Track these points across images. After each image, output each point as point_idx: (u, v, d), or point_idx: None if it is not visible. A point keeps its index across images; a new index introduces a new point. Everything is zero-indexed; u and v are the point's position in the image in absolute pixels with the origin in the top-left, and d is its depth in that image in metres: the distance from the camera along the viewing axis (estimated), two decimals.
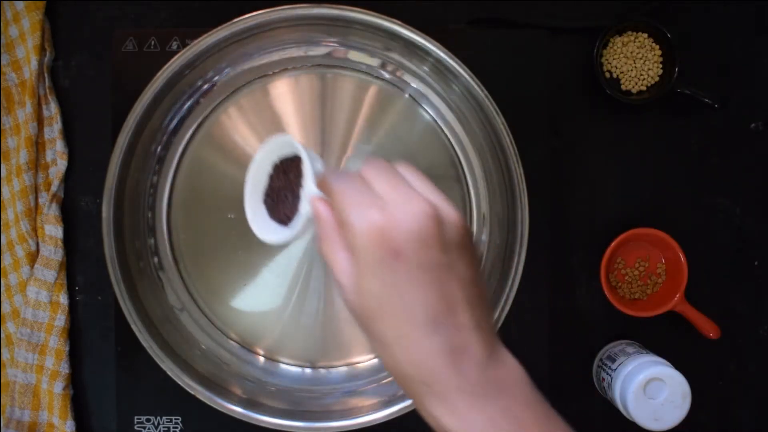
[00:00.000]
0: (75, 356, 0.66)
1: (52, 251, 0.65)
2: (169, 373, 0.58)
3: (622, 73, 0.65)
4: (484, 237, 0.63)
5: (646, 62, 0.65)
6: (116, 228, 0.59)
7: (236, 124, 0.63)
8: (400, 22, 0.58)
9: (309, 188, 0.44)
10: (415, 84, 0.63)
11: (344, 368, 0.64)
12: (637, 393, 0.58)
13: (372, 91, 0.63)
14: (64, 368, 0.65)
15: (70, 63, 0.67)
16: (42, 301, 0.64)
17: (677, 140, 0.67)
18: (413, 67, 0.62)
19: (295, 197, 0.47)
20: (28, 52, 0.65)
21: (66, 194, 0.66)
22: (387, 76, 0.63)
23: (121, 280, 0.59)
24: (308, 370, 0.64)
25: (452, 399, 0.39)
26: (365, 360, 0.64)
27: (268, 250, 0.63)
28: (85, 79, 0.66)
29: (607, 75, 0.66)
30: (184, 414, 0.64)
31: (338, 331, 0.63)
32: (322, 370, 0.64)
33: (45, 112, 0.66)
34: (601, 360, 0.65)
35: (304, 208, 0.44)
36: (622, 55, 0.65)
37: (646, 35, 0.65)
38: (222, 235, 0.63)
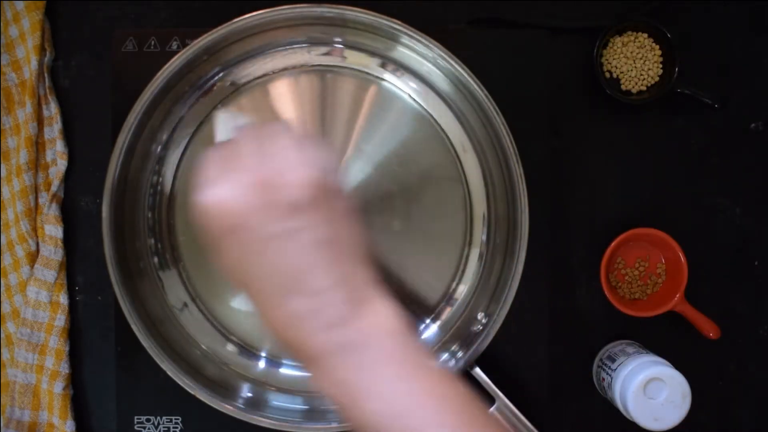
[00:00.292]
0: (75, 356, 0.66)
1: (52, 251, 0.65)
2: (169, 373, 0.58)
3: (622, 73, 0.65)
4: (484, 237, 0.63)
5: (646, 62, 0.65)
6: (116, 228, 0.59)
7: None
8: (400, 22, 0.58)
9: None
10: (415, 84, 0.63)
11: None
12: (637, 393, 0.58)
13: (372, 91, 0.63)
14: (64, 368, 0.65)
15: (70, 63, 0.67)
16: (42, 301, 0.64)
17: (677, 140, 0.67)
18: (413, 67, 0.62)
19: None
20: (28, 52, 0.65)
21: (66, 194, 0.66)
22: (387, 76, 0.63)
23: (121, 280, 0.59)
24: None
25: (323, 364, 0.39)
26: None
27: None
28: (85, 79, 0.66)
29: (607, 75, 0.66)
30: (184, 414, 0.64)
31: None
32: None
33: (45, 112, 0.66)
34: (601, 360, 0.65)
35: None
36: (622, 55, 0.65)
37: (646, 35, 0.65)
38: None
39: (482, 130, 0.61)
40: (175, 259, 0.63)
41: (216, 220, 0.39)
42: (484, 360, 0.59)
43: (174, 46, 0.63)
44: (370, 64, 0.63)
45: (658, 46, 0.65)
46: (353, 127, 0.63)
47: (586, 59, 0.65)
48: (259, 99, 0.63)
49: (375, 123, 0.63)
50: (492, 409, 0.60)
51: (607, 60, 0.65)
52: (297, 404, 0.62)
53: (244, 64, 0.62)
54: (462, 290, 0.64)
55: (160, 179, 0.63)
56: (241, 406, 0.59)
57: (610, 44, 0.65)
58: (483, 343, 0.59)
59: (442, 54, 0.58)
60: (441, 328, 0.64)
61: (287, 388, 0.63)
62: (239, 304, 0.63)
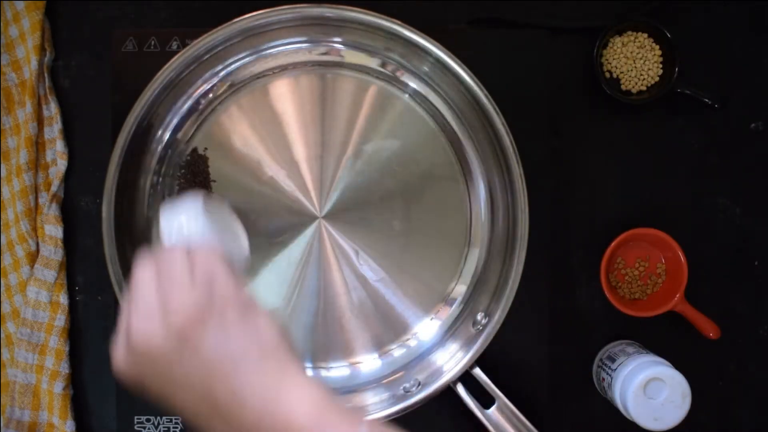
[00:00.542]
0: (75, 356, 0.66)
1: (52, 251, 0.65)
2: None
3: (622, 73, 0.66)
4: (484, 237, 0.63)
5: (646, 62, 0.65)
6: (116, 228, 0.59)
7: (236, 124, 0.63)
8: (400, 22, 0.58)
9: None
10: (415, 84, 0.63)
11: (344, 368, 0.64)
12: (637, 393, 0.58)
13: (372, 91, 0.63)
14: (64, 368, 0.65)
15: (70, 63, 0.67)
16: (42, 301, 0.64)
17: (677, 140, 0.67)
18: (413, 67, 0.62)
19: None
20: (28, 52, 0.65)
21: (66, 194, 0.66)
22: (387, 76, 0.63)
23: (121, 280, 0.59)
24: (308, 370, 0.64)
25: None
26: (365, 360, 0.64)
27: (268, 251, 0.63)
28: (85, 79, 0.66)
29: (607, 75, 0.66)
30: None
31: (338, 331, 0.63)
32: (323, 370, 0.64)
33: (45, 112, 0.66)
34: (601, 360, 0.65)
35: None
36: (622, 55, 0.65)
37: (646, 35, 0.65)
38: None
39: (482, 130, 0.61)
40: None
41: (134, 357, 0.41)
42: (484, 360, 0.59)
43: (174, 46, 0.63)
44: (370, 64, 0.63)
45: (658, 46, 0.65)
46: (353, 127, 0.63)
47: (586, 59, 0.65)
48: (259, 99, 0.63)
49: (375, 123, 0.63)
50: (492, 408, 0.60)
51: (607, 60, 0.65)
52: None
53: (244, 64, 0.62)
54: (462, 290, 0.64)
55: (160, 179, 0.63)
56: None
57: (610, 44, 0.65)
58: (483, 343, 0.59)
59: (442, 54, 0.58)
60: (441, 328, 0.64)
61: None
62: None
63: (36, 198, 0.65)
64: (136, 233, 0.62)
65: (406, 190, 0.63)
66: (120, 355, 0.42)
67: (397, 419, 0.59)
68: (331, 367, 0.64)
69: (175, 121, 0.62)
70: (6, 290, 0.66)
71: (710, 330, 0.64)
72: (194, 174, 0.63)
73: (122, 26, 0.65)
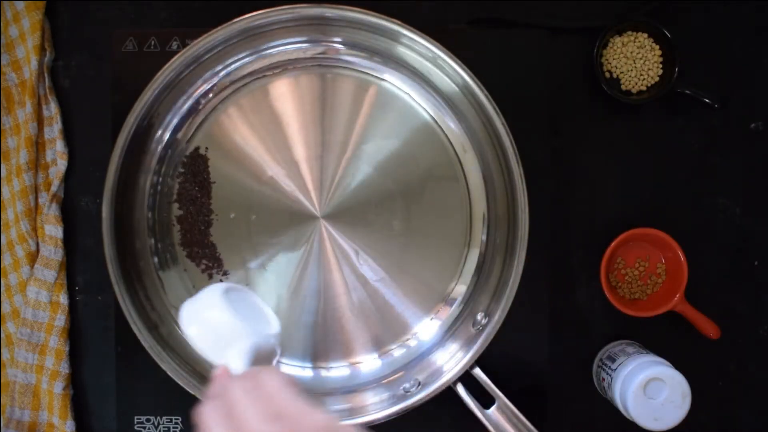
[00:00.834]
0: (75, 356, 0.66)
1: (52, 251, 0.65)
2: (169, 373, 0.58)
3: (622, 73, 0.65)
4: (484, 237, 0.63)
5: (646, 62, 0.65)
6: (116, 228, 0.59)
7: (236, 124, 0.63)
8: (400, 22, 0.58)
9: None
10: (415, 84, 0.63)
11: (344, 368, 0.64)
12: (637, 393, 0.58)
13: (372, 91, 0.63)
14: (64, 368, 0.65)
15: (70, 63, 0.67)
16: (42, 301, 0.64)
17: (677, 140, 0.67)
18: (413, 67, 0.62)
19: None
20: (28, 52, 0.65)
21: (66, 194, 0.66)
22: (387, 76, 0.63)
23: (121, 280, 0.59)
24: (308, 370, 0.64)
25: None
26: (365, 360, 0.64)
27: (268, 250, 0.63)
28: (85, 79, 0.66)
29: (607, 75, 0.66)
30: (184, 414, 0.64)
31: (338, 331, 0.63)
32: (323, 370, 0.64)
33: (45, 112, 0.66)
34: (601, 360, 0.65)
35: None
36: (622, 55, 0.65)
37: (646, 35, 0.65)
38: (222, 234, 0.63)
39: (482, 130, 0.61)
40: (175, 259, 0.63)
41: None
42: (484, 360, 0.59)
43: (174, 46, 0.63)
44: (370, 64, 0.63)
45: (658, 46, 0.65)
46: (353, 127, 0.63)
47: (586, 59, 0.65)
48: (259, 99, 0.63)
49: (375, 123, 0.63)
50: (492, 408, 0.60)
51: (607, 60, 0.65)
52: None
53: (244, 64, 0.62)
54: (462, 290, 0.64)
55: (160, 179, 0.63)
56: None
57: (610, 44, 0.65)
58: (483, 343, 0.59)
59: (442, 54, 0.58)
60: (441, 328, 0.64)
61: None
62: None
63: (36, 198, 0.65)
64: (136, 233, 0.62)
65: (406, 190, 0.63)
66: None
67: (397, 419, 0.59)
68: (331, 367, 0.64)
69: (175, 121, 0.63)
70: (6, 290, 0.66)
71: (710, 330, 0.64)
72: (194, 174, 0.63)
73: (122, 26, 0.65)
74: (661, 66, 0.65)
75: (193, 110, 0.63)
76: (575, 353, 0.66)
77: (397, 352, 0.64)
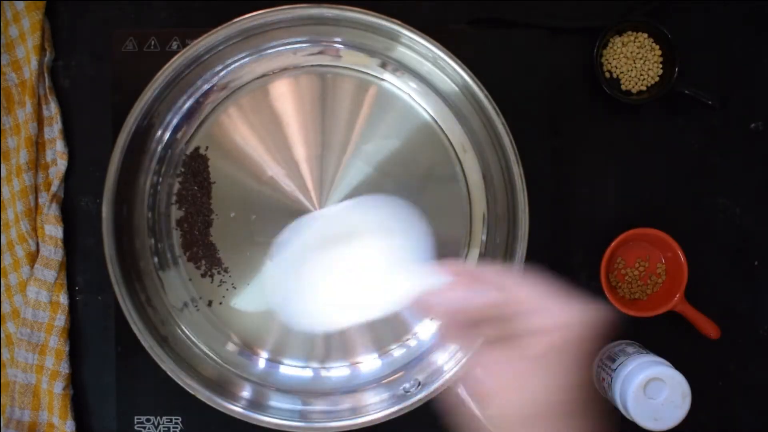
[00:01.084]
0: (75, 356, 0.66)
1: (52, 251, 0.65)
2: (169, 373, 0.59)
3: (622, 73, 0.66)
4: (484, 237, 0.63)
5: (646, 62, 0.65)
6: (116, 228, 0.59)
7: (236, 124, 0.63)
8: (400, 22, 0.58)
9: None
10: (414, 84, 0.63)
11: (345, 368, 0.64)
12: (637, 393, 0.58)
13: (372, 91, 0.63)
14: (64, 368, 0.65)
15: (70, 63, 0.67)
16: (42, 301, 0.64)
17: (677, 140, 0.67)
18: (413, 67, 0.62)
19: None
20: (28, 52, 0.65)
21: (66, 194, 0.66)
22: (387, 76, 0.63)
23: (121, 280, 0.59)
24: (309, 371, 0.64)
25: None
26: (365, 360, 0.64)
27: (269, 250, 0.63)
28: (85, 79, 0.66)
29: (607, 75, 0.66)
30: (184, 414, 0.64)
31: (338, 331, 0.63)
32: (323, 371, 0.64)
33: (45, 112, 0.66)
34: (601, 360, 0.65)
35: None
36: (622, 55, 0.65)
37: (646, 35, 0.65)
38: (222, 234, 0.63)
39: (482, 130, 0.61)
40: (175, 259, 0.63)
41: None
42: None
43: (174, 46, 0.63)
44: (370, 64, 0.63)
45: (658, 46, 0.65)
46: (353, 127, 0.63)
47: (586, 59, 0.65)
48: (259, 99, 0.63)
49: (375, 123, 0.63)
50: None
51: (607, 60, 0.65)
52: (296, 404, 0.62)
53: (244, 64, 0.62)
54: None
55: (160, 179, 0.63)
56: (241, 406, 0.59)
57: (610, 44, 0.65)
58: None
59: (442, 54, 0.58)
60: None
61: (287, 388, 0.63)
62: (239, 304, 0.63)
63: (36, 198, 0.65)
64: (136, 233, 0.62)
65: (406, 190, 0.63)
66: None
67: (397, 419, 0.59)
68: (331, 367, 0.64)
69: (175, 121, 0.63)
70: (6, 290, 0.66)
71: (710, 330, 0.64)
72: (194, 174, 0.63)
73: (122, 26, 0.65)
74: (661, 66, 0.65)
75: (193, 110, 0.63)
76: None
77: (397, 352, 0.64)
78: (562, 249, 0.66)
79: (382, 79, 0.63)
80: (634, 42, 0.65)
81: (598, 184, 0.66)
